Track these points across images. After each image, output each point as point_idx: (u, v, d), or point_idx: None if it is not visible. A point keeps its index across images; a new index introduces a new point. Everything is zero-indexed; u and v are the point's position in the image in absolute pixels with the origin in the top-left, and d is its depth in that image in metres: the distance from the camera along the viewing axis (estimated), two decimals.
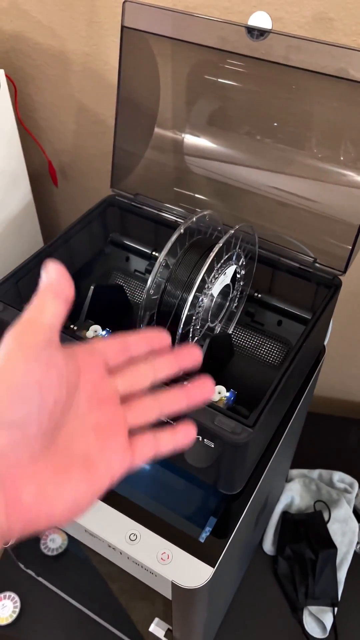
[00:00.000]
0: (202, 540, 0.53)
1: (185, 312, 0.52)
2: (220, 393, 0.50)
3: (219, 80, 0.64)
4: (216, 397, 0.50)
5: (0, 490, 0.25)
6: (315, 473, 1.02)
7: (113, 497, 0.54)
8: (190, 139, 0.70)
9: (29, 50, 0.86)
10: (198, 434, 0.48)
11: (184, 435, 0.34)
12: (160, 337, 0.34)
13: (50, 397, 0.27)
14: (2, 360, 0.26)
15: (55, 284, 0.28)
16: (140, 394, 0.33)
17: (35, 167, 1.01)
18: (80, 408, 0.30)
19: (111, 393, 0.32)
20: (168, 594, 0.52)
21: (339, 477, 1.01)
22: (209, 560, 0.50)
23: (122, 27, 0.62)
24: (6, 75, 0.77)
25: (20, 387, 0.25)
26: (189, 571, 0.49)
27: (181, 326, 0.52)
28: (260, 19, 0.55)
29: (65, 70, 0.86)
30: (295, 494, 0.98)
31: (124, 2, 0.60)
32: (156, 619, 0.66)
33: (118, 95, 0.66)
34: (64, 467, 0.27)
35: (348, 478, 1.01)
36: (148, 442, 0.32)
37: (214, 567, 0.50)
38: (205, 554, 0.51)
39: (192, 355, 0.35)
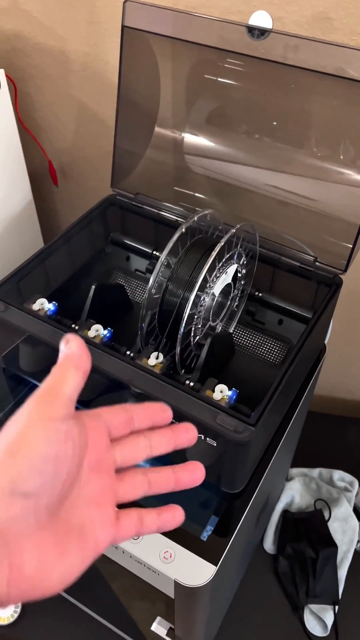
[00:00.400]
0: (204, 539, 0.53)
1: (187, 311, 0.52)
2: (222, 392, 0.50)
3: (219, 79, 0.64)
4: (218, 396, 0.50)
5: (6, 557, 0.25)
6: (316, 472, 1.02)
7: None
8: (190, 138, 0.70)
9: (29, 49, 0.86)
10: (200, 433, 0.48)
11: (171, 519, 0.34)
12: (163, 411, 0.34)
13: (64, 469, 0.27)
14: (24, 431, 0.26)
15: (76, 356, 0.29)
16: (132, 467, 0.33)
17: (35, 167, 1.01)
18: (82, 477, 0.30)
19: (109, 463, 0.32)
20: (171, 593, 0.52)
21: (339, 476, 1.01)
22: (212, 559, 0.50)
23: (123, 26, 0.62)
24: (6, 75, 0.77)
25: (40, 460, 0.26)
26: (192, 570, 0.50)
27: (183, 325, 0.52)
28: (261, 19, 0.55)
29: (66, 70, 0.86)
30: (295, 492, 0.98)
31: (124, 2, 0.60)
32: (158, 618, 0.66)
33: (118, 94, 0.66)
34: (63, 538, 0.28)
35: (348, 477, 1.01)
36: (133, 520, 0.32)
37: (216, 566, 0.50)
38: (207, 552, 0.51)
39: (188, 433, 0.35)
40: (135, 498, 0.33)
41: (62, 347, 0.29)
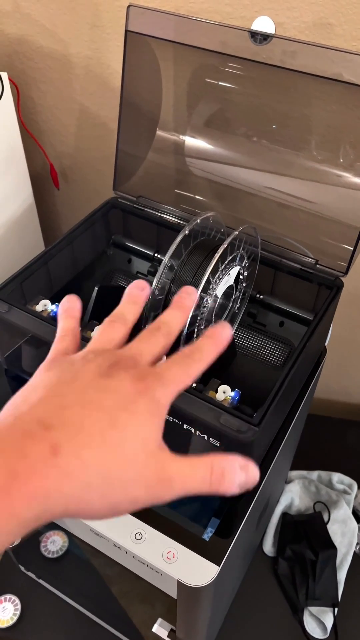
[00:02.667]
0: (206, 539, 0.53)
1: (191, 312, 0.52)
2: (225, 393, 0.51)
3: (220, 83, 0.65)
4: (221, 397, 0.50)
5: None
6: (315, 474, 1.02)
7: None
8: (191, 142, 0.70)
9: (32, 53, 0.87)
10: (204, 433, 0.49)
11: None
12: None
13: None
14: None
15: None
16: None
17: (37, 170, 1.01)
18: None
19: None
20: (173, 593, 0.52)
21: (338, 478, 1.01)
22: (215, 559, 0.50)
23: (126, 31, 0.63)
24: (9, 78, 0.78)
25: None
26: (195, 570, 0.50)
27: (186, 326, 0.52)
28: (263, 24, 0.56)
29: (68, 73, 0.87)
30: (294, 495, 0.98)
31: (128, 7, 0.61)
32: (159, 619, 0.66)
33: (121, 98, 0.67)
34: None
35: (347, 479, 1.01)
36: None
37: (219, 566, 0.50)
38: (210, 552, 0.51)
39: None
40: None
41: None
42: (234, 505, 0.56)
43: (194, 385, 0.52)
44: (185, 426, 0.49)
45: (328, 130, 0.62)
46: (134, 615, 0.78)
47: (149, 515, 0.53)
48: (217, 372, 0.59)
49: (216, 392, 0.51)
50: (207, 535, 0.54)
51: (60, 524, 0.60)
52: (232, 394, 0.51)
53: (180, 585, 0.50)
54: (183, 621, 0.60)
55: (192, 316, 0.53)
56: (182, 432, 0.50)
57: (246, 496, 0.56)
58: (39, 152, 0.98)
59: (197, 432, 0.49)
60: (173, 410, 0.49)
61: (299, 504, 0.98)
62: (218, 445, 0.48)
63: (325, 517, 0.95)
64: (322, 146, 0.63)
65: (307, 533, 0.92)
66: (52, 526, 0.60)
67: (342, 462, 1.04)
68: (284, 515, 0.96)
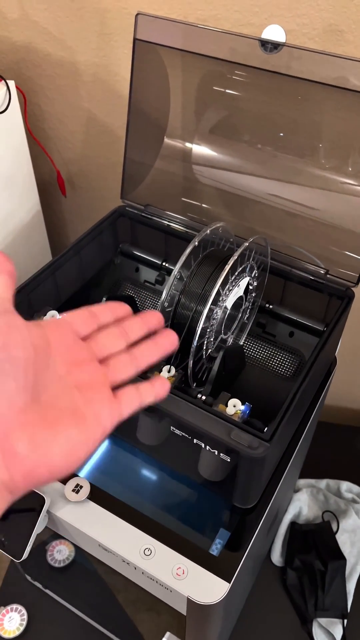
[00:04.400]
0: (215, 554, 0.52)
1: (201, 324, 0.52)
2: (235, 406, 0.50)
3: (228, 91, 0.64)
4: (231, 411, 0.50)
5: None
6: (323, 483, 1.01)
7: (126, 511, 0.54)
8: (199, 150, 0.70)
9: (39, 61, 0.87)
10: (214, 448, 0.48)
11: (161, 386, 0.38)
12: (121, 306, 0.38)
13: (18, 354, 0.29)
14: None
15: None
16: (117, 354, 0.37)
17: (44, 177, 1.01)
18: (58, 370, 0.32)
19: (88, 355, 0.35)
20: (183, 610, 0.52)
21: (347, 487, 1.00)
22: (225, 576, 0.50)
23: (135, 39, 0.62)
24: (16, 86, 0.78)
25: None
26: (205, 586, 0.49)
27: (196, 339, 0.52)
28: (274, 32, 0.55)
29: (75, 80, 0.87)
30: (303, 504, 0.97)
31: (136, 15, 0.61)
32: (167, 634, 0.65)
33: (129, 106, 0.66)
34: (53, 419, 0.30)
35: (356, 488, 1.00)
36: (131, 393, 0.36)
37: (230, 582, 0.49)
38: (220, 568, 0.50)
39: (155, 316, 0.39)
40: (128, 376, 0.36)
41: None
42: (245, 518, 0.55)
43: (204, 398, 0.51)
44: (195, 441, 0.49)
45: (337, 137, 0.61)
46: (140, 624, 0.78)
47: (158, 529, 0.53)
48: (226, 383, 0.59)
49: (226, 405, 0.50)
50: (216, 546, 0.54)
51: (67, 536, 0.59)
52: (243, 407, 0.50)
53: (190, 603, 0.49)
54: (192, 636, 0.60)
55: (202, 328, 0.53)
56: (191, 447, 0.49)
57: (257, 509, 0.55)
58: (46, 160, 0.98)
59: (207, 447, 0.48)
60: (182, 425, 0.49)
61: (307, 513, 0.97)
62: (228, 460, 0.48)
63: (334, 527, 0.94)
64: (331, 154, 0.62)
65: (316, 543, 0.91)
66: (59, 535, 0.60)
67: (351, 470, 1.03)
68: (293, 524, 0.95)
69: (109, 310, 0.38)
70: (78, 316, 0.36)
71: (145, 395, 0.36)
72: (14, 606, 0.88)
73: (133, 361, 0.37)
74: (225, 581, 0.49)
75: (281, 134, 0.64)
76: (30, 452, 0.28)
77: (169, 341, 0.39)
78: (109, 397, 0.34)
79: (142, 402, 0.36)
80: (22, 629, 0.85)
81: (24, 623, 0.86)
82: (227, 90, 0.64)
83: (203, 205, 0.72)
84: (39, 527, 0.54)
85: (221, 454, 0.48)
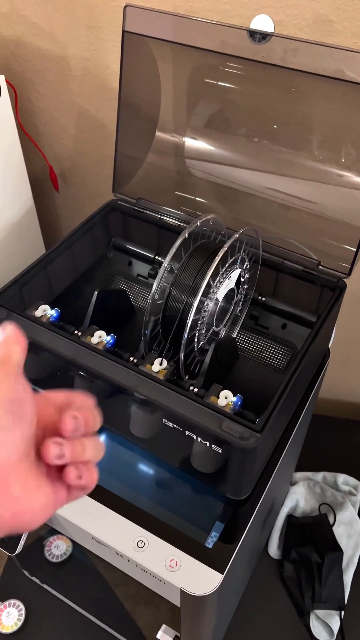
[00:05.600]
0: (209, 546, 0.53)
1: (191, 316, 0.51)
2: (227, 398, 0.50)
3: (220, 83, 0.64)
4: (223, 402, 0.50)
5: None
6: (320, 476, 1.02)
7: (119, 504, 0.54)
8: (191, 143, 0.70)
9: (29, 55, 0.86)
10: (205, 440, 0.48)
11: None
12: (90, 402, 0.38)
13: (28, 410, 0.33)
14: None
15: (13, 335, 0.34)
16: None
17: (36, 172, 1.01)
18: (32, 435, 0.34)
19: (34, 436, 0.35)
20: (176, 601, 0.52)
21: (344, 480, 1.00)
22: (218, 567, 0.50)
23: (124, 31, 0.62)
24: (6, 81, 0.77)
25: (8, 402, 0.32)
26: (198, 578, 0.49)
27: (187, 331, 0.52)
28: (262, 23, 0.55)
29: (66, 75, 0.86)
30: (300, 497, 0.97)
31: (125, 7, 0.60)
32: (163, 626, 0.66)
33: (119, 99, 0.66)
34: (37, 474, 0.33)
35: (352, 480, 1.00)
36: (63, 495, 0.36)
37: (222, 574, 0.49)
38: (213, 560, 0.50)
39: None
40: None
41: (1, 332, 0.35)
42: (238, 509, 0.55)
43: (196, 390, 0.51)
44: (187, 433, 0.49)
45: (329, 129, 0.61)
46: (138, 618, 0.78)
47: (151, 522, 0.53)
48: (218, 376, 0.59)
49: (218, 397, 0.50)
50: (212, 539, 0.54)
51: (62, 531, 0.59)
52: (234, 399, 0.50)
53: (184, 594, 0.49)
54: (187, 628, 0.60)
55: (193, 320, 0.53)
56: (183, 439, 0.49)
57: (251, 500, 0.55)
58: (38, 155, 0.97)
59: (199, 439, 0.48)
60: (174, 417, 0.49)
61: (304, 506, 0.98)
62: (220, 452, 0.48)
63: (331, 519, 0.94)
64: (323, 145, 0.62)
65: (313, 535, 0.91)
66: (56, 531, 0.60)
67: (347, 462, 1.04)
68: (289, 517, 0.95)
69: (83, 403, 0.38)
70: (59, 398, 0.37)
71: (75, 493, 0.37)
72: (12, 601, 0.88)
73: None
74: (219, 572, 0.49)
75: (274, 126, 0.64)
76: (21, 496, 0.32)
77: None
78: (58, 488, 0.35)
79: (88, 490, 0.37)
80: (20, 624, 0.85)
81: (22, 618, 0.86)
82: (219, 83, 0.64)
83: (196, 198, 0.72)
84: None
85: (213, 446, 0.48)
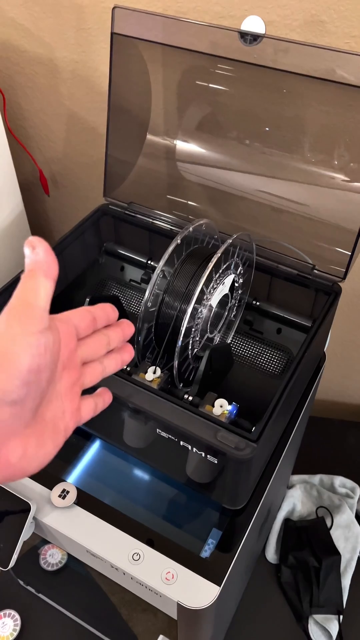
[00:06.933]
0: (206, 557, 0.52)
1: (185, 324, 0.51)
2: (222, 407, 0.49)
3: (211, 85, 0.63)
4: (218, 411, 0.49)
5: None
6: (316, 478, 1.01)
7: (114, 516, 0.53)
8: (183, 146, 0.69)
9: (17, 58, 0.85)
10: (200, 450, 0.47)
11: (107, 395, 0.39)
12: (114, 311, 0.38)
13: (44, 378, 0.30)
14: (8, 347, 0.28)
15: (44, 264, 0.29)
16: (94, 361, 0.37)
17: (26, 176, 0.99)
18: (56, 376, 0.32)
19: (77, 360, 0.35)
20: (173, 614, 0.51)
21: (340, 482, 1.00)
22: (215, 579, 0.49)
23: (112, 33, 0.61)
24: None
25: (25, 373, 0.28)
26: (195, 591, 0.48)
27: (181, 338, 0.51)
28: (253, 24, 0.54)
29: (54, 77, 0.85)
30: (296, 500, 0.97)
31: (113, 8, 0.59)
32: (161, 636, 0.65)
33: (109, 102, 0.65)
34: (41, 433, 0.31)
35: (349, 482, 1.00)
36: (90, 405, 0.36)
37: (220, 586, 0.48)
38: (210, 572, 0.49)
39: (130, 328, 0.39)
40: (93, 384, 0.37)
41: (28, 252, 0.29)
42: (235, 519, 0.54)
43: (190, 398, 0.50)
44: (181, 443, 0.48)
45: (322, 131, 0.60)
46: (135, 625, 0.77)
47: (146, 534, 0.52)
48: (213, 383, 0.58)
49: (213, 406, 0.49)
50: (209, 550, 0.53)
51: (56, 543, 0.58)
52: (230, 407, 0.49)
53: (180, 607, 0.48)
54: (185, 639, 0.59)
55: (187, 328, 0.52)
56: (178, 449, 0.48)
57: (247, 509, 0.54)
58: (27, 159, 0.96)
59: (194, 449, 0.47)
60: (169, 427, 0.48)
61: (301, 509, 0.97)
62: (215, 462, 0.47)
63: (328, 522, 0.94)
64: (316, 148, 0.61)
65: (310, 539, 0.90)
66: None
67: (344, 464, 1.03)
68: (286, 521, 0.94)
69: (104, 314, 0.37)
70: (83, 320, 0.35)
71: (99, 407, 0.37)
72: (7, 611, 0.87)
73: (102, 371, 0.37)
74: (216, 585, 0.48)
75: (266, 128, 0.63)
76: (18, 462, 0.30)
77: (129, 354, 0.39)
78: (77, 408, 0.35)
79: (95, 413, 0.37)
80: (15, 634, 0.84)
81: (18, 628, 0.85)
82: (210, 85, 0.63)
83: (188, 202, 0.71)
84: (25, 535, 0.53)
85: (208, 456, 0.47)
